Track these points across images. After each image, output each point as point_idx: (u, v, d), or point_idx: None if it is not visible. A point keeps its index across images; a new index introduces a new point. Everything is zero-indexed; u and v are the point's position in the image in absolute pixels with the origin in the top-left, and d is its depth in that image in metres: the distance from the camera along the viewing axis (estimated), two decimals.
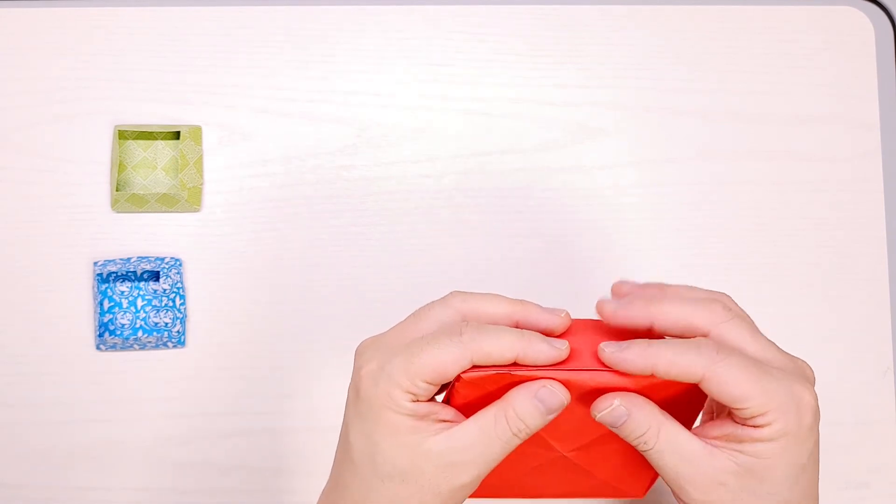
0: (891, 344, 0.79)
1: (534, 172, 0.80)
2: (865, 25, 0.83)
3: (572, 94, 0.81)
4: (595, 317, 0.57)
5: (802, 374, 0.55)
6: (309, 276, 0.78)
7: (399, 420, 0.53)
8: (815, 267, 0.80)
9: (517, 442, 0.54)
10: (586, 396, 0.55)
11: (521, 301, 0.56)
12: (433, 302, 0.56)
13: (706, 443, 0.53)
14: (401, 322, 0.57)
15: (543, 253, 0.79)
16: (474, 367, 0.53)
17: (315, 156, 0.79)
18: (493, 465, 0.54)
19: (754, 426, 0.52)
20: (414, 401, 0.53)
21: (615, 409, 0.53)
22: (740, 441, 0.53)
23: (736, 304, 0.57)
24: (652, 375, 0.53)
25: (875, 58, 0.83)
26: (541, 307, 0.56)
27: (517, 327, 0.55)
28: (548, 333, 0.55)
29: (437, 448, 0.53)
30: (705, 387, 0.52)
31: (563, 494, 0.62)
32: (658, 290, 0.57)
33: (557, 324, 0.55)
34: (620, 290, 0.58)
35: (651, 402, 0.54)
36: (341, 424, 0.57)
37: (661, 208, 0.80)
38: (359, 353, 0.56)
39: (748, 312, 0.57)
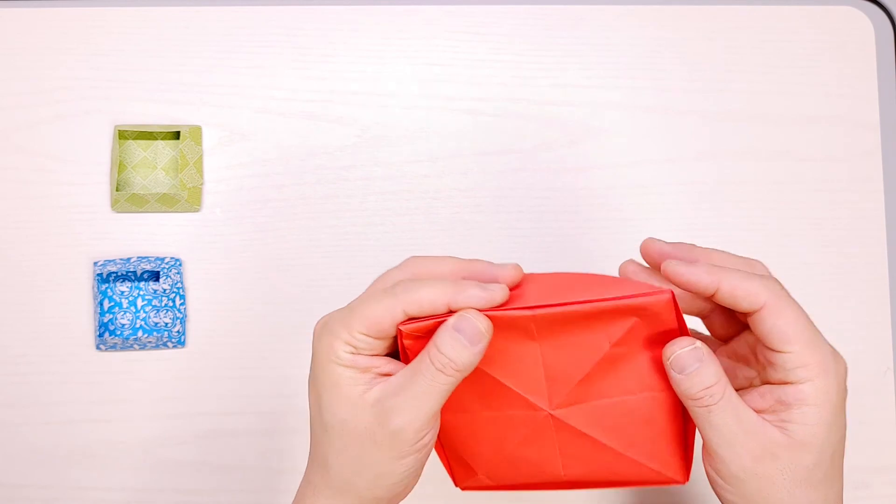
0: (891, 344, 0.79)
1: (534, 172, 0.80)
2: (865, 25, 0.83)
3: (572, 94, 0.81)
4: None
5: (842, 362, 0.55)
6: (309, 276, 0.78)
7: (340, 372, 0.54)
8: (815, 267, 0.80)
9: (447, 379, 0.53)
10: (541, 332, 0.53)
11: (471, 259, 0.56)
12: (391, 268, 0.57)
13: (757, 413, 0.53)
14: (364, 291, 0.58)
15: (543, 253, 0.79)
16: (413, 318, 0.54)
17: (315, 156, 0.79)
18: (431, 405, 0.53)
19: (793, 382, 0.52)
20: (353, 353, 0.54)
21: (697, 350, 0.52)
22: (787, 407, 0.52)
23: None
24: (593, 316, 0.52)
25: (875, 58, 0.83)
26: (489, 262, 0.56)
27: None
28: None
29: (373, 397, 0.54)
30: (760, 317, 0.52)
31: (586, 479, 0.58)
32: (705, 254, 0.56)
33: (505, 276, 0.55)
34: (652, 248, 0.56)
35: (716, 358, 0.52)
36: None
37: (661, 208, 0.80)
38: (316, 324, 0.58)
39: (771, 278, 0.57)
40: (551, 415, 0.56)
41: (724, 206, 0.80)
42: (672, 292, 0.52)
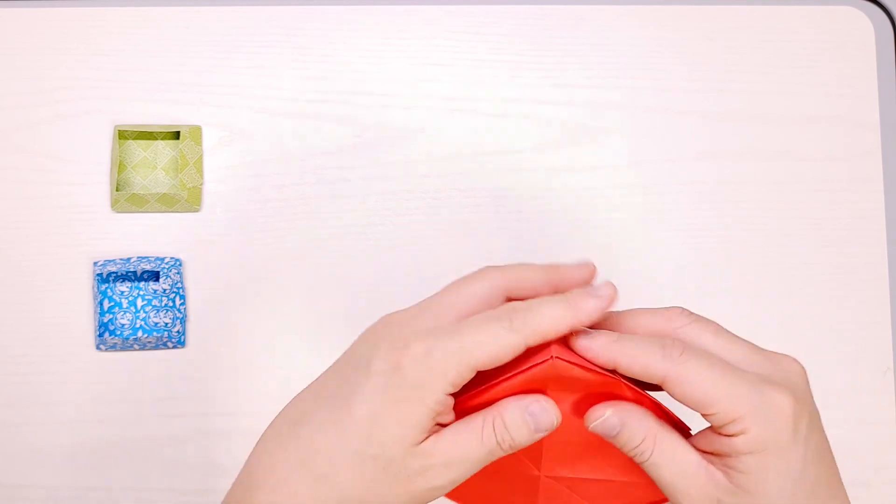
0: (891, 344, 0.79)
1: (534, 172, 0.80)
2: (865, 25, 0.83)
3: (572, 94, 0.81)
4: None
5: (783, 374, 0.51)
6: (309, 276, 0.78)
7: (420, 414, 0.50)
8: (815, 267, 0.80)
9: (500, 453, 0.51)
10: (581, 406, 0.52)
11: (552, 265, 0.53)
12: (465, 277, 0.54)
13: (703, 456, 0.51)
14: (431, 299, 0.54)
15: (544, 253, 0.79)
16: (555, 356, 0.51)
17: (315, 156, 0.79)
18: (473, 469, 0.51)
19: (729, 435, 0.49)
20: (450, 393, 0.50)
21: (608, 420, 0.50)
22: (725, 454, 0.49)
23: (693, 313, 0.54)
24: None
25: (875, 58, 0.83)
26: (571, 265, 0.53)
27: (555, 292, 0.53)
28: (581, 285, 0.53)
29: (426, 448, 0.51)
30: (668, 389, 0.49)
31: None
32: (616, 314, 0.54)
33: (591, 275, 0.53)
34: (576, 346, 0.53)
35: (647, 411, 0.51)
36: (345, 385, 0.55)
37: (661, 208, 0.80)
38: (392, 328, 0.53)
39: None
40: (543, 476, 0.56)
41: (724, 206, 0.80)
42: (552, 356, 0.51)
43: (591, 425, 0.51)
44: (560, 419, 0.51)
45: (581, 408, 0.53)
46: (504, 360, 0.50)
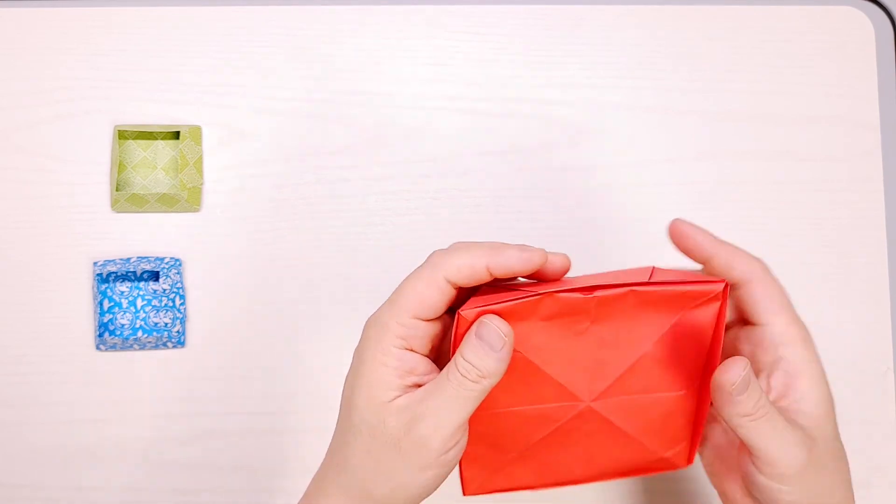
0: (891, 344, 0.79)
1: (534, 172, 0.80)
2: (865, 25, 0.83)
3: (572, 94, 0.81)
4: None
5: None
6: (309, 276, 0.78)
7: (380, 373, 0.53)
8: (815, 267, 0.80)
9: (473, 386, 0.52)
10: (581, 321, 0.53)
11: (497, 245, 0.56)
12: (418, 269, 0.57)
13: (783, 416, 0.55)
14: (395, 290, 0.58)
15: None
16: (471, 301, 0.53)
17: (315, 156, 0.79)
18: (457, 414, 0.52)
19: (785, 356, 0.56)
20: (405, 347, 0.53)
21: (748, 372, 0.53)
22: (795, 380, 0.56)
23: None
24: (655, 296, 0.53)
25: (875, 58, 0.83)
26: (517, 246, 0.55)
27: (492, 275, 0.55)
28: (526, 272, 0.55)
29: (399, 404, 0.53)
30: (751, 289, 0.56)
31: (597, 471, 0.59)
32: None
33: (535, 259, 0.55)
34: (678, 225, 0.60)
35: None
36: None
37: (661, 208, 0.80)
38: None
39: (762, 260, 0.60)
40: (589, 406, 0.56)
41: (724, 206, 0.80)
42: (726, 283, 0.55)
43: (731, 382, 0.53)
44: (509, 329, 0.52)
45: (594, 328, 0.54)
46: (430, 299, 0.53)
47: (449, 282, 0.54)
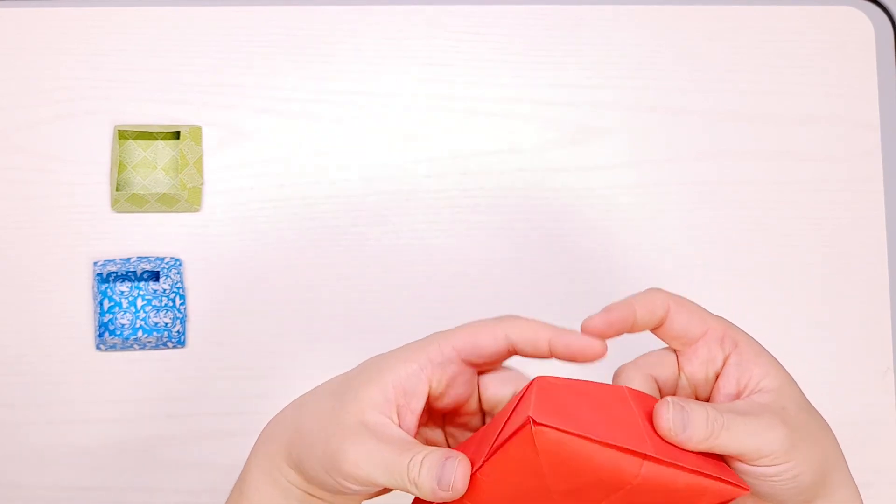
0: (891, 344, 0.79)
1: (534, 172, 0.80)
2: (865, 25, 0.83)
3: (572, 94, 0.81)
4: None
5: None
6: (309, 276, 0.78)
7: (375, 390, 0.53)
8: (815, 267, 0.80)
9: (403, 481, 0.50)
10: (620, 482, 0.50)
11: (559, 330, 0.55)
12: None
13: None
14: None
15: (543, 253, 0.79)
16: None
17: (315, 156, 0.79)
18: (380, 481, 0.51)
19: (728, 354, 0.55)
20: (424, 368, 0.53)
21: (678, 413, 0.51)
22: (746, 363, 0.54)
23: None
24: (701, 473, 0.50)
25: (875, 58, 0.83)
26: (578, 336, 0.54)
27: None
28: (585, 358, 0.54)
29: (368, 418, 0.52)
30: (669, 322, 0.54)
31: None
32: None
33: (595, 353, 0.53)
34: (591, 323, 0.55)
35: None
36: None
37: (661, 208, 0.80)
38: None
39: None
40: None
41: (724, 206, 0.80)
42: (749, 489, 0.51)
43: (669, 430, 0.51)
44: (465, 484, 0.49)
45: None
46: (484, 343, 0.53)
47: (508, 338, 0.53)
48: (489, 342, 0.53)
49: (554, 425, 0.47)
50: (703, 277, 0.79)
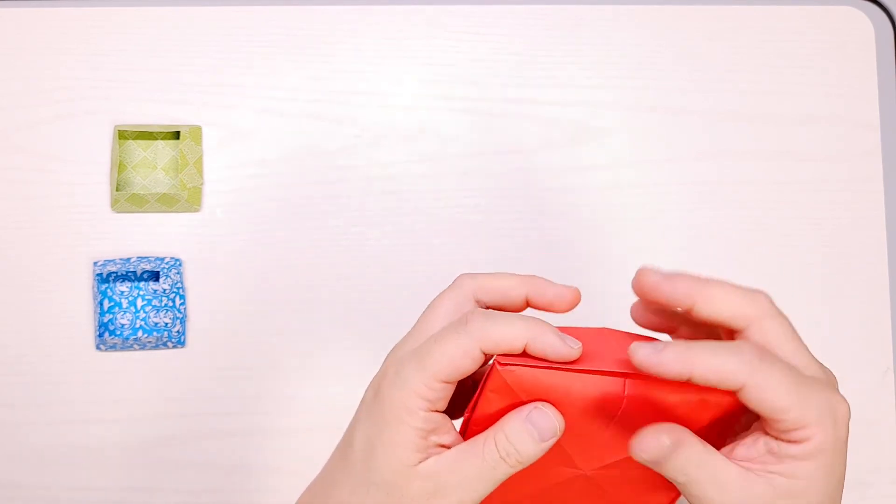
0: (891, 344, 0.79)
1: (534, 172, 0.80)
2: (865, 25, 0.83)
3: (572, 94, 0.81)
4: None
5: (834, 382, 0.51)
6: (309, 276, 0.78)
7: (405, 434, 0.50)
8: (815, 267, 0.80)
9: (507, 469, 0.50)
10: (611, 407, 0.50)
11: (531, 276, 0.54)
12: (444, 291, 0.54)
13: (741, 467, 0.49)
14: (417, 322, 0.54)
15: (543, 253, 0.79)
16: (507, 355, 0.50)
17: (315, 156, 0.79)
18: (482, 491, 0.50)
19: (790, 441, 0.48)
20: (430, 409, 0.50)
21: (663, 448, 0.49)
22: (779, 460, 0.49)
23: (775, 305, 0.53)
24: (688, 384, 0.48)
25: (875, 58, 0.83)
26: (548, 280, 0.53)
27: (528, 304, 0.53)
28: (559, 307, 0.53)
29: (426, 470, 0.50)
30: (744, 396, 0.48)
31: None
32: (698, 282, 0.52)
33: (568, 296, 0.53)
34: (646, 277, 0.52)
35: (684, 428, 0.50)
36: (351, 420, 0.56)
37: (661, 208, 0.80)
38: (386, 360, 0.54)
39: (746, 344, 0.55)
40: (585, 475, 0.55)
41: (724, 206, 0.80)
42: (735, 395, 0.49)
43: (644, 454, 0.49)
44: (563, 423, 0.50)
45: (610, 412, 0.51)
46: (463, 367, 0.50)
47: (483, 352, 0.50)
48: (465, 366, 0.50)
49: (519, 363, 0.49)
50: None
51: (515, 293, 0.53)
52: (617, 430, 0.52)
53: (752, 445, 0.50)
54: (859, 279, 0.80)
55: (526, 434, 0.49)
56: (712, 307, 0.50)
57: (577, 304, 0.53)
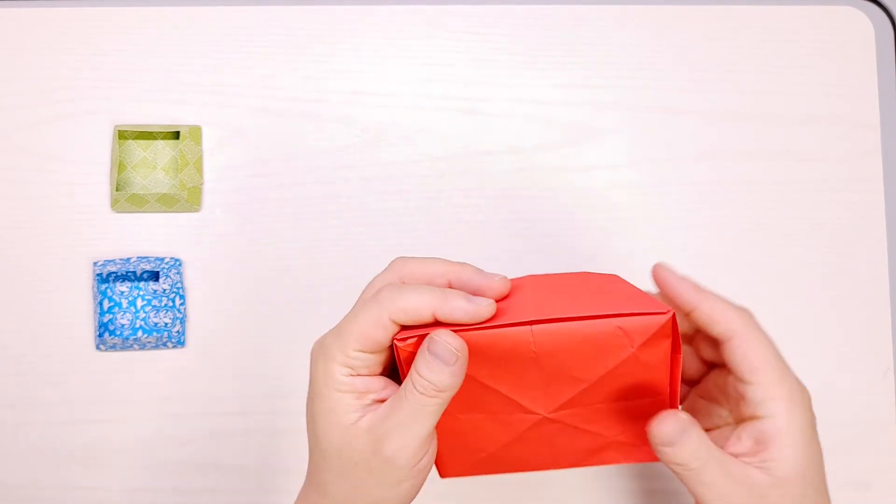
0: (891, 344, 0.79)
1: (534, 172, 0.80)
2: (865, 25, 0.83)
3: (572, 94, 0.81)
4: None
5: (808, 395, 0.57)
6: (309, 276, 0.78)
7: (337, 398, 0.54)
8: (815, 267, 0.80)
9: (433, 402, 0.53)
10: (526, 352, 0.53)
11: (460, 263, 0.56)
12: (378, 273, 0.58)
13: (738, 459, 0.54)
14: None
15: (543, 253, 0.79)
16: (404, 329, 0.54)
17: (315, 156, 0.79)
18: (420, 430, 0.53)
19: (763, 416, 0.54)
20: (352, 374, 0.54)
21: (680, 422, 0.53)
22: (765, 446, 0.54)
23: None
24: (614, 331, 0.52)
25: (875, 58, 0.83)
26: (478, 270, 0.56)
27: (451, 287, 0.56)
28: (488, 296, 0.55)
29: (365, 424, 0.54)
30: (731, 345, 0.55)
31: (570, 462, 0.59)
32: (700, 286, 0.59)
33: (492, 288, 0.55)
34: (661, 271, 0.59)
35: (695, 421, 0.54)
36: None
37: (661, 208, 0.80)
38: (314, 344, 0.58)
39: (747, 311, 0.58)
40: (547, 417, 0.56)
41: (724, 206, 0.80)
42: (674, 313, 0.52)
43: (659, 433, 0.53)
44: (462, 345, 0.53)
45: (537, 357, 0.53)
46: (374, 336, 0.54)
47: (393, 322, 0.54)
48: (378, 335, 0.54)
49: (415, 334, 0.53)
50: (703, 277, 0.79)
51: (441, 279, 0.56)
52: (549, 371, 0.53)
53: (738, 442, 0.55)
54: (859, 279, 0.80)
55: (432, 363, 0.52)
56: (709, 315, 0.56)
57: (504, 294, 0.56)
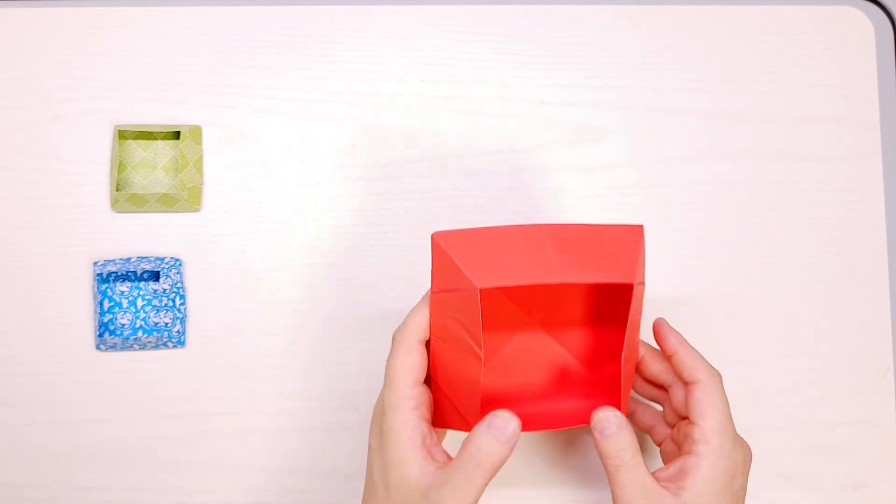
0: (891, 344, 0.79)
1: (534, 172, 0.80)
2: (865, 25, 0.83)
3: (572, 94, 0.81)
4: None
5: (750, 455, 0.66)
6: (309, 277, 0.78)
7: (406, 452, 0.61)
8: (815, 267, 0.80)
9: (486, 473, 0.59)
10: (539, 244, 0.61)
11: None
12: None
13: (658, 482, 0.62)
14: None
15: None
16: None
17: (315, 156, 0.79)
18: (473, 497, 0.60)
19: (693, 454, 0.62)
20: (421, 417, 0.61)
21: (617, 418, 0.61)
22: (684, 475, 0.62)
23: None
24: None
25: (875, 58, 0.83)
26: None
27: None
28: None
29: (425, 485, 0.60)
30: (695, 388, 0.65)
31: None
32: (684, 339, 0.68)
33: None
34: (659, 324, 0.69)
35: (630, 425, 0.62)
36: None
37: (661, 208, 0.80)
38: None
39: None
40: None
41: (724, 206, 0.80)
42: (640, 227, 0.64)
43: (598, 419, 0.62)
44: (519, 423, 0.60)
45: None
46: (416, 362, 0.63)
47: (420, 342, 0.63)
48: (417, 359, 0.63)
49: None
50: (703, 278, 0.79)
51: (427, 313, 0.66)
52: (559, 260, 0.61)
53: (668, 469, 0.63)
54: (859, 279, 0.80)
55: (491, 439, 0.60)
56: (683, 361, 0.66)
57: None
